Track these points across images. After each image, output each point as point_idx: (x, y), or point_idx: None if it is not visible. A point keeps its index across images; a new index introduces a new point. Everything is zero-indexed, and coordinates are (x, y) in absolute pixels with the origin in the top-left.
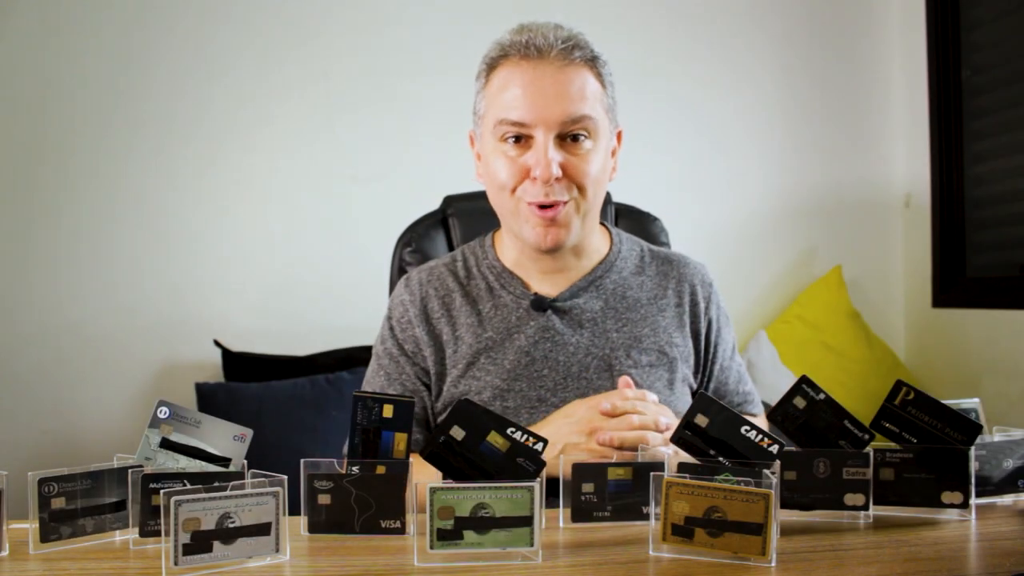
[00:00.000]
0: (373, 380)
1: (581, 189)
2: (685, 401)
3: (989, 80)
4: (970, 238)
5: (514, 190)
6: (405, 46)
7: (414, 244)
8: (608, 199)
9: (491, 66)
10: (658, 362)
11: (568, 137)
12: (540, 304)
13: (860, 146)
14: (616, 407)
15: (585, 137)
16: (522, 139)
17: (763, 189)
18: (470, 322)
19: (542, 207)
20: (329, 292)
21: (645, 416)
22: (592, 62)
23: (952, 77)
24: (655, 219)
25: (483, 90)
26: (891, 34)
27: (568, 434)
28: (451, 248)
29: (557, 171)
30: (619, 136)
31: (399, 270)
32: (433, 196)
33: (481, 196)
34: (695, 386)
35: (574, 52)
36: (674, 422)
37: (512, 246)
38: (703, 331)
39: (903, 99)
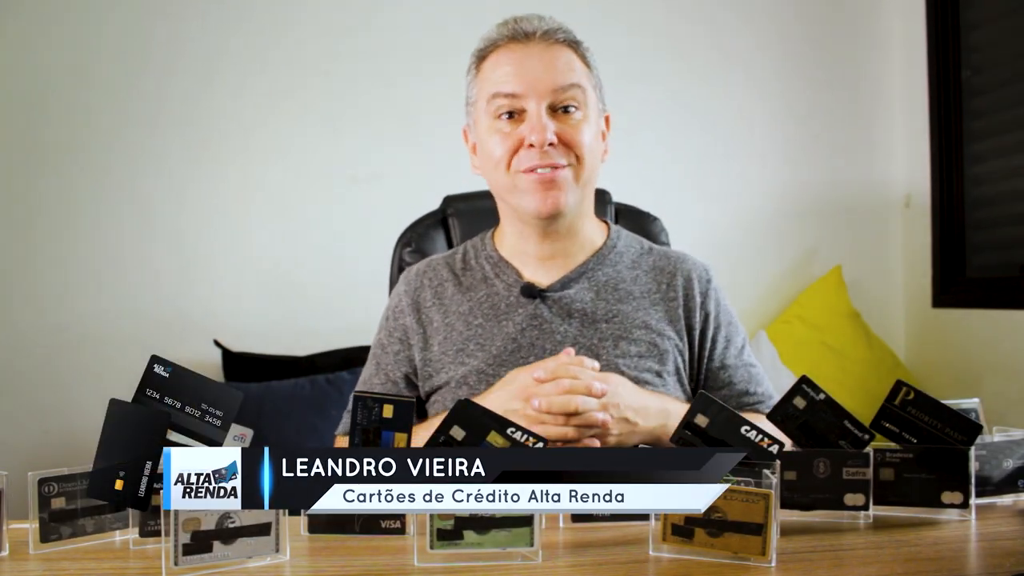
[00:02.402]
0: (367, 369)
1: (577, 156)
2: (677, 393)
3: (989, 80)
4: (970, 238)
5: (510, 163)
6: (405, 46)
7: (414, 244)
8: (608, 199)
9: (481, 57)
10: (647, 353)
11: (560, 109)
12: (530, 291)
13: (860, 146)
14: (549, 372)
15: (575, 108)
16: (515, 114)
17: (764, 189)
18: (462, 310)
19: (540, 171)
20: (329, 292)
21: (577, 381)
22: (575, 44)
23: (952, 77)
24: (655, 219)
25: (475, 79)
26: (891, 34)
27: (507, 400)
28: (450, 248)
29: (552, 136)
30: (607, 120)
31: (399, 270)
32: (433, 196)
33: (481, 196)
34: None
35: (558, 34)
36: (610, 387)
37: (511, 234)
38: (698, 326)
39: (903, 99)
